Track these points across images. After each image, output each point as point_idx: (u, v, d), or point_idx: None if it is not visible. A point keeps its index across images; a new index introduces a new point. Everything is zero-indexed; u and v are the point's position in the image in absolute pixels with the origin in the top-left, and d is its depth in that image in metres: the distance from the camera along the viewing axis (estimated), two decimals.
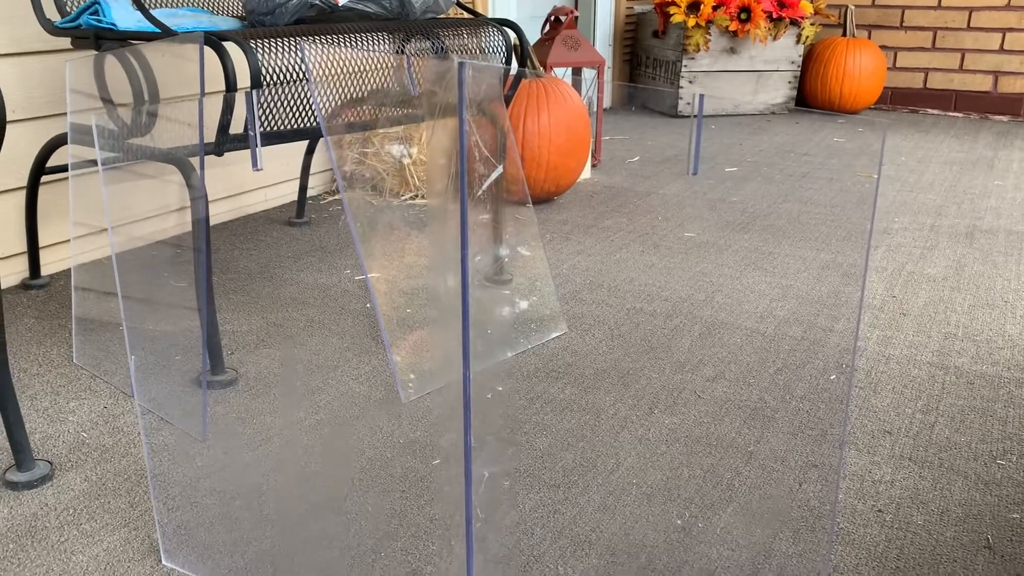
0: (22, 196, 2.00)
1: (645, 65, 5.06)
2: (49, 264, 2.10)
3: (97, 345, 1.70)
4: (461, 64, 0.70)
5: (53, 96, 1.98)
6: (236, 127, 1.49)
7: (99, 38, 1.60)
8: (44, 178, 1.94)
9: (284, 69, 1.49)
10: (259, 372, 1.67)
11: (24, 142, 1.97)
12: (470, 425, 0.87)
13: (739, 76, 4.72)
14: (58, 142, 1.75)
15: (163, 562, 1.14)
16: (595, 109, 3.50)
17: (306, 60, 1.44)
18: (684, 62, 4.62)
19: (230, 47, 1.43)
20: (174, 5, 1.98)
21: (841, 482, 1.36)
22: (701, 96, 3.24)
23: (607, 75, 5.01)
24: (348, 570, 1.13)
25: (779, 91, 4.84)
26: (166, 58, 1.50)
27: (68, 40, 1.82)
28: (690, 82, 4.66)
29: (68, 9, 1.73)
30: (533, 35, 3.62)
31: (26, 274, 2.07)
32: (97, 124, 1.60)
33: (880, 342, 1.90)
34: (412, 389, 1.59)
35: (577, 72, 3.64)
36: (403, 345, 1.74)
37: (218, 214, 2.61)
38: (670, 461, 1.40)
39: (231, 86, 1.37)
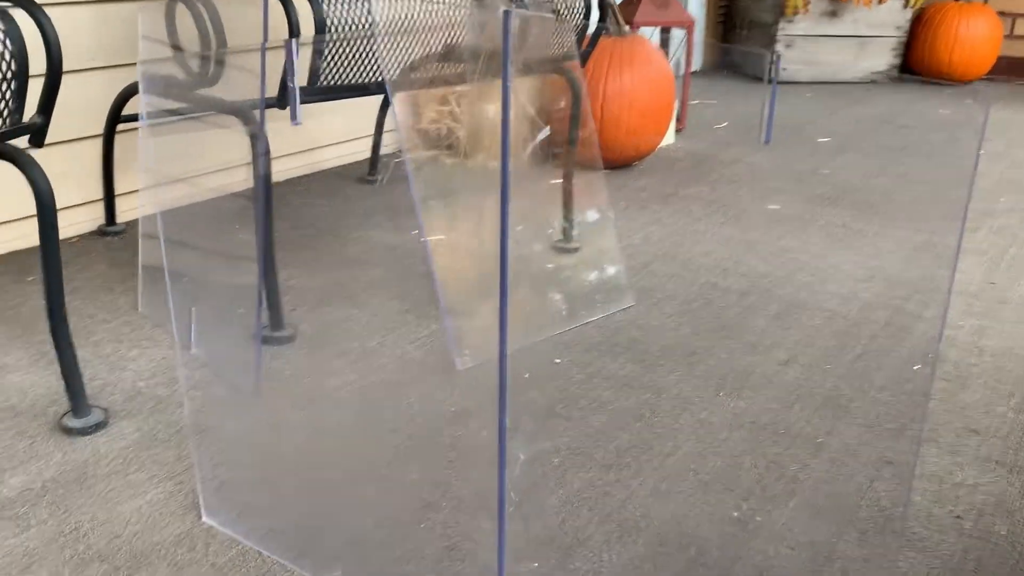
0: (100, 143, 2.02)
1: (740, 27, 4.85)
2: (125, 212, 2.13)
3: (162, 295, 1.71)
4: (506, 13, 0.63)
5: (131, 43, 1.99)
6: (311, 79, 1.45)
7: None
8: (121, 126, 1.96)
9: (351, 20, 1.44)
10: (317, 330, 1.65)
11: (102, 89, 1.99)
12: (506, 406, 0.82)
13: (839, 41, 4.47)
14: (133, 90, 1.75)
15: (203, 518, 1.13)
16: (682, 71, 3.36)
17: (373, 12, 1.39)
18: (781, 25, 4.40)
19: None
20: None
21: (917, 482, 1.26)
22: (777, 57, 3.06)
23: (698, 36, 4.82)
24: (386, 539, 1.10)
25: (882, 58, 4.58)
26: (232, 5, 1.47)
27: None
28: (787, 46, 4.44)
29: None
30: None
31: (103, 221, 2.10)
32: (166, 74, 1.59)
33: (974, 332, 1.76)
34: (468, 357, 1.55)
35: (665, 32, 3.50)
36: (462, 311, 1.70)
37: (293, 168, 2.60)
38: (731, 448, 1.33)
39: (294, 35, 1.33)
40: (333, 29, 1.39)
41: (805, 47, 4.46)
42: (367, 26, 1.44)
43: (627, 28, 2.79)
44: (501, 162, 0.72)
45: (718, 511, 1.18)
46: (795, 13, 4.36)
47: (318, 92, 1.44)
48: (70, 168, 2.03)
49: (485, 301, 1.78)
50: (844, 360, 1.62)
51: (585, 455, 1.30)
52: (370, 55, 1.45)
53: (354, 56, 1.44)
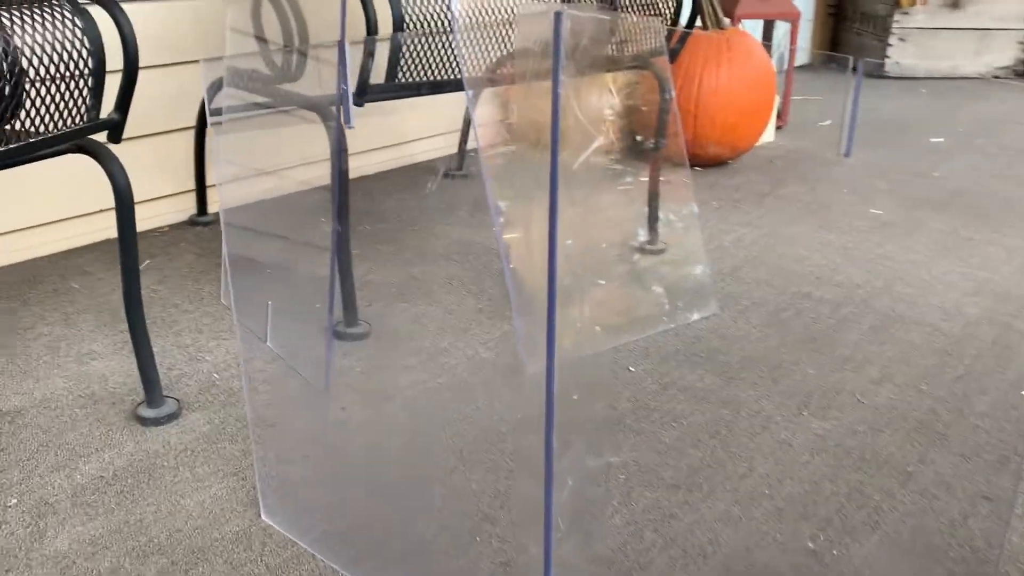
0: (192, 135, 2.07)
1: (852, 19, 4.63)
2: (216, 203, 2.18)
3: (243, 286, 1.74)
4: (558, 15, 0.59)
5: (223, 38, 2.03)
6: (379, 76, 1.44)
7: None
8: (214, 118, 2.00)
9: (430, 16, 1.42)
10: (392, 327, 1.64)
11: (196, 82, 2.03)
12: (553, 425, 0.78)
13: (959, 34, 4.22)
14: (222, 84, 1.78)
15: (262, 516, 1.13)
16: (785, 66, 3.22)
17: (453, 8, 1.36)
18: (896, 17, 4.18)
19: None
20: None
21: (1016, 522, 1.16)
22: (859, 64, 2.87)
23: (806, 29, 4.63)
24: (442, 550, 1.08)
25: (1006, 52, 4.29)
26: (314, 1, 1.47)
27: None
28: (901, 40, 4.21)
29: None
30: None
31: (194, 211, 2.15)
32: (251, 68, 1.60)
33: None
34: (539, 360, 1.51)
35: (770, 25, 3.36)
36: (534, 313, 1.66)
37: (381, 162, 2.62)
38: (812, 473, 1.25)
39: (371, 31, 1.32)
40: (411, 25, 1.37)
41: (921, 40, 4.22)
42: (446, 22, 1.42)
43: (726, 22, 2.69)
44: (551, 167, 0.68)
45: (792, 541, 1.11)
46: (912, 4, 4.13)
47: (394, 89, 1.42)
48: (164, 159, 2.09)
49: (560, 303, 1.73)
50: (943, 381, 1.51)
51: (653, 472, 1.24)
52: (448, 52, 1.42)
53: (433, 53, 1.42)
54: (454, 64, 1.46)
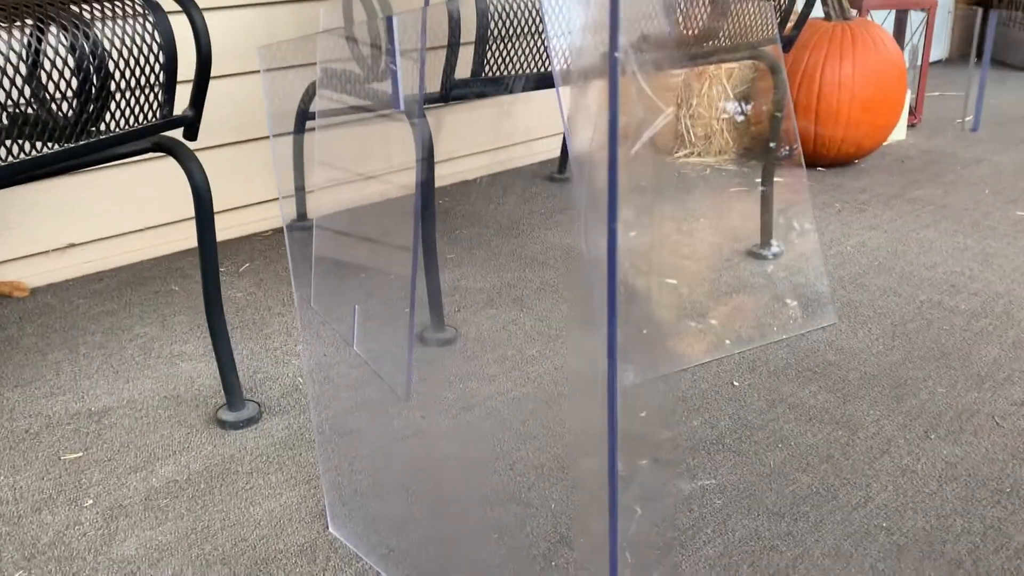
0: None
1: (1001, 7, 4.28)
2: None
3: (332, 290, 1.71)
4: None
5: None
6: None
7: None
8: (310, 122, 1.99)
9: (516, 11, 1.35)
10: (480, 333, 1.58)
11: (300, 86, 2.04)
12: (616, 455, 0.69)
13: None
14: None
15: (329, 529, 1.08)
16: (920, 60, 2.98)
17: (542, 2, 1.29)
18: None
19: None
20: None
21: None
22: (991, 15, 2.57)
23: (945, 21, 4.31)
24: (513, 574, 1.00)
25: None
26: (404, 1, 1.42)
27: None
28: None
29: None
30: None
31: (294, 215, 2.16)
32: (343, 69, 1.57)
33: None
34: (631, 372, 1.41)
35: (903, 14, 3.12)
36: (630, 322, 1.56)
37: (482, 167, 2.57)
38: (940, 505, 1.10)
39: (454, 24, 1.26)
40: (496, 19, 1.30)
41: None
42: (535, 19, 1.34)
43: (853, 12, 2.50)
44: (609, 162, 0.59)
45: None
46: None
47: (480, 84, 1.36)
48: (268, 163, 2.10)
49: (657, 312, 1.63)
50: None
51: (754, 499, 1.12)
52: (538, 47, 1.34)
53: (521, 45, 1.34)
54: (544, 58, 1.38)
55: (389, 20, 0.86)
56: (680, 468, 1.18)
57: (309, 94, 1.87)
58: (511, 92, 1.39)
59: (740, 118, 2.53)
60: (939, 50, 4.31)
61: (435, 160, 2.43)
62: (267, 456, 1.23)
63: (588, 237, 0.68)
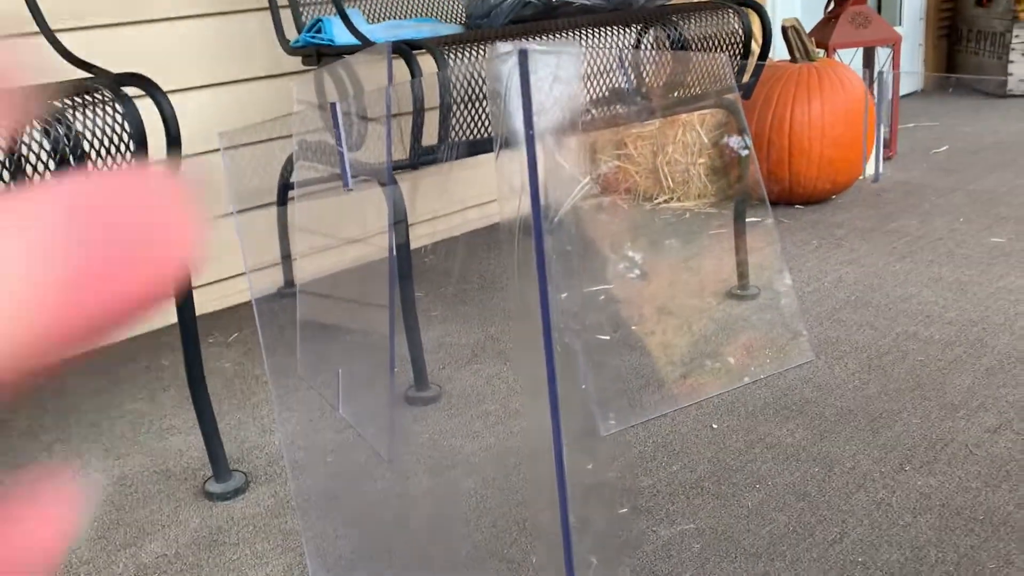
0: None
1: (967, 39, 4.37)
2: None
3: (318, 355, 1.74)
4: (522, 52, 0.55)
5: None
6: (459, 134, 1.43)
7: (320, 55, 1.63)
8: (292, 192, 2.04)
9: (478, 78, 1.40)
10: (463, 389, 1.60)
11: (280, 157, 2.09)
12: (568, 518, 0.71)
13: None
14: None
15: None
16: (888, 94, 3.05)
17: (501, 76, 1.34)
18: (1015, 32, 3.91)
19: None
20: (407, 16, 1.99)
21: None
22: (880, 74, 2.63)
23: (917, 53, 4.40)
24: None
25: None
26: (373, 70, 1.48)
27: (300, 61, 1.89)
28: (1023, 55, 3.93)
29: (303, 23, 1.80)
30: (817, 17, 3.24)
31: (281, 283, 2.20)
32: (319, 139, 1.62)
33: None
34: (613, 421, 1.43)
35: (871, 52, 3.20)
36: (609, 370, 1.59)
37: (468, 221, 2.62)
38: (915, 537, 1.11)
39: (417, 98, 1.31)
40: (458, 88, 1.35)
41: None
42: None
43: (818, 52, 2.57)
44: (533, 224, 0.63)
45: None
46: None
47: (448, 148, 1.41)
48: (251, 234, 2.15)
49: (639, 359, 1.65)
50: None
51: (732, 540, 1.13)
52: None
53: (482, 113, 1.39)
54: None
55: (333, 107, 0.90)
56: (660, 514, 1.20)
57: (288, 167, 1.92)
58: (474, 155, 1.44)
59: (715, 162, 2.59)
60: (914, 81, 4.40)
61: (417, 219, 2.48)
62: (254, 526, 1.25)
63: (522, 299, 0.71)
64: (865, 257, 2.14)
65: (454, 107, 1.39)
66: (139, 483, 1.39)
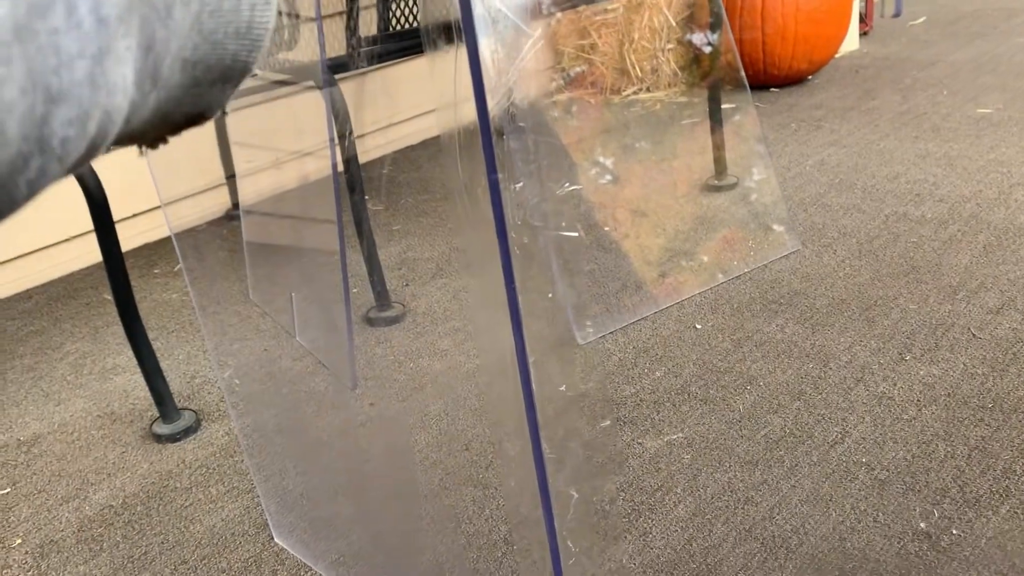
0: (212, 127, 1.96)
1: None
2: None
3: (271, 280, 1.62)
4: None
5: None
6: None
7: None
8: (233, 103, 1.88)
9: None
10: (428, 306, 1.49)
11: None
12: (539, 438, 0.61)
13: None
14: None
15: (275, 539, 1.00)
16: None
17: None
18: None
19: None
20: None
21: None
22: None
23: None
24: (471, 565, 0.93)
25: None
26: None
27: None
28: None
29: None
30: None
31: (229, 204, 2.05)
32: None
33: None
34: (591, 329, 1.33)
35: None
36: (586, 275, 1.48)
37: (427, 128, 2.46)
38: (921, 431, 1.03)
39: None
40: None
41: None
42: None
43: None
44: (478, 111, 0.51)
45: (899, 521, 0.90)
46: None
47: (392, 40, 1.25)
48: (191, 156, 1.99)
49: (615, 262, 1.54)
50: None
51: (724, 449, 1.05)
52: None
53: None
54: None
55: None
56: (645, 424, 1.11)
57: None
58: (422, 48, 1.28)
59: (685, 47, 2.43)
60: None
61: (371, 128, 2.32)
62: (206, 468, 1.15)
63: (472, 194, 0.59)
64: (847, 137, 2.03)
65: None
66: (81, 429, 1.28)
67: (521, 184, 1.15)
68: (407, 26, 1.28)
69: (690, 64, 2.45)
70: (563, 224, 1.52)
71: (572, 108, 2.50)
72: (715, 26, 1.66)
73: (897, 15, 2.67)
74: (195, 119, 0.19)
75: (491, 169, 0.53)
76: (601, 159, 2.03)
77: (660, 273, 1.50)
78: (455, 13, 0.61)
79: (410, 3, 1.26)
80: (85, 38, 0.13)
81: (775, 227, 1.59)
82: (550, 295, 1.30)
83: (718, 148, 1.80)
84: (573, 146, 2.12)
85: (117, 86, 0.14)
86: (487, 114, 0.51)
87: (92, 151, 0.15)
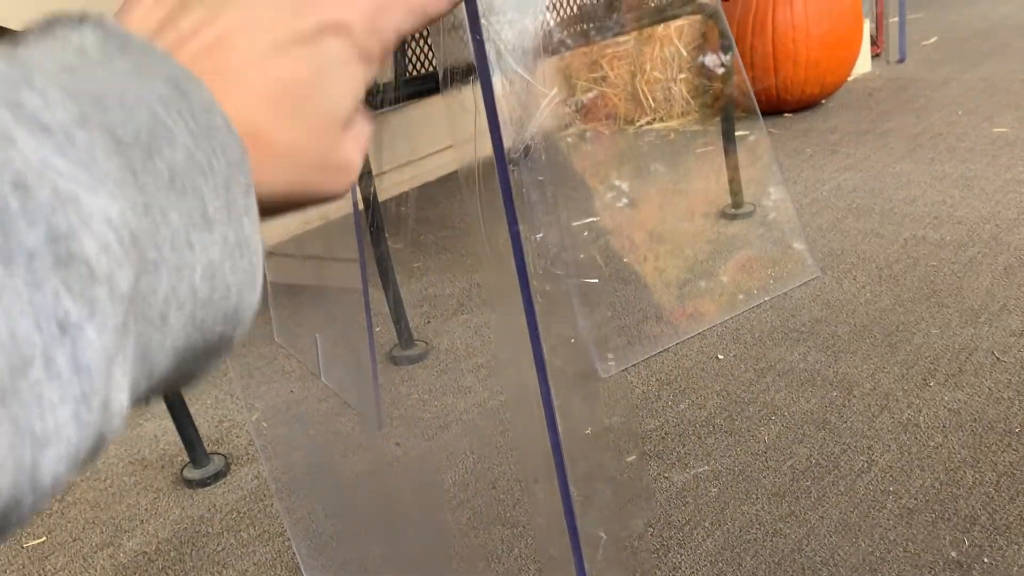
0: None
1: None
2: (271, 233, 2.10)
3: (295, 320, 1.64)
4: None
5: None
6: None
7: None
8: None
9: None
10: (451, 343, 1.51)
11: None
12: (566, 479, 0.62)
13: None
14: None
15: None
16: None
17: None
18: None
19: None
20: None
21: None
22: None
23: None
24: None
25: None
26: None
27: None
28: None
29: None
30: None
31: None
32: None
33: None
34: (612, 363, 1.34)
35: None
36: (607, 307, 1.49)
37: (445, 164, 2.49)
38: (948, 458, 1.03)
39: None
40: None
41: None
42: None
43: None
44: (496, 162, 0.53)
45: (929, 551, 0.90)
46: None
47: (409, 85, 1.28)
48: None
49: (635, 293, 1.55)
50: None
51: (751, 480, 1.05)
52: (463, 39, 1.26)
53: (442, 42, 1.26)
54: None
55: None
56: (671, 458, 1.12)
57: None
58: (439, 91, 1.31)
59: (697, 76, 2.45)
60: None
61: (388, 167, 2.35)
62: (237, 512, 1.17)
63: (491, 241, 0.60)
64: (863, 161, 2.03)
65: (408, 39, 1.26)
66: (114, 476, 1.30)
67: (541, 235, 1.17)
68: (423, 70, 1.31)
69: (702, 92, 2.47)
70: (585, 270, 1.53)
71: (587, 138, 2.52)
72: (726, 53, 1.68)
73: (901, 61, 2.70)
74: (178, 386, 0.19)
75: (512, 220, 0.55)
76: (617, 189, 2.05)
77: (680, 304, 1.51)
78: (470, 56, 0.63)
79: (425, 49, 1.29)
80: (65, 386, 0.14)
81: (794, 254, 1.60)
82: (572, 340, 1.32)
83: (733, 175, 1.81)
84: (589, 177, 2.14)
85: (112, 412, 0.15)
86: (507, 173, 0.53)
87: (86, 466, 0.15)
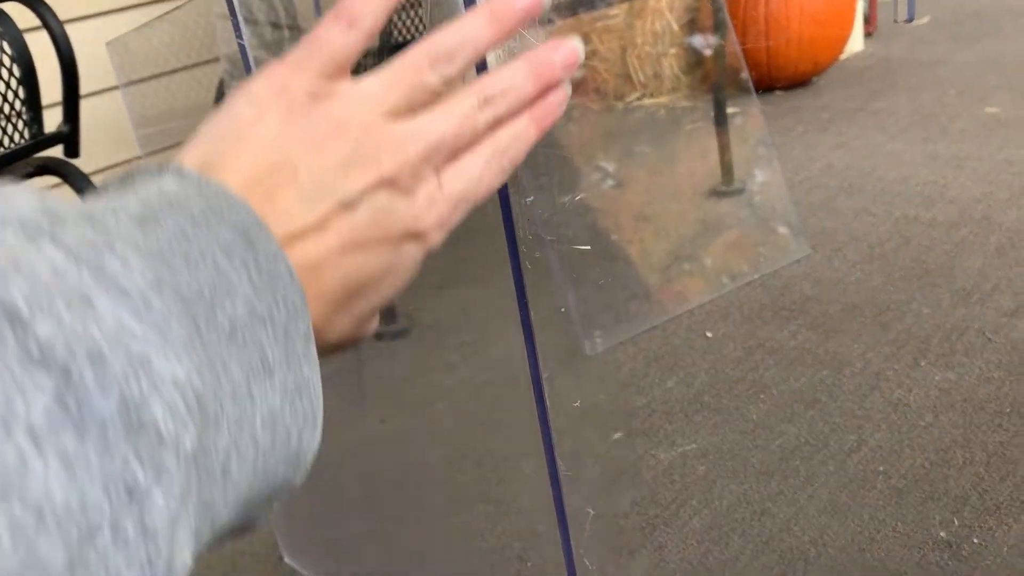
0: None
1: None
2: None
3: None
4: None
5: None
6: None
7: None
8: None
9: None
10: (435, 319, 1.48)
11: (206, 88, 1.92)
12: (554, 455, 0.60)
13: None
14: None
15: (285, 559, 0.99)
16: None
17: None
18: None
19: None
20: None
21: None
22: None
23: None
24: None
25: None
26: None
27: None
28: None
29: None
30: None
31: None
32: (251, 54, 1.45)
33: None
34: (599, 340, 1.32)
35: None
36: (593, 284, 1.47)
37: None
38: (938, 437, 1.02)
39: None
40: None
41: None
42: None
43: None
44: None
45: (918, 531, 0.89)
46: None
47: (393, 50, 1.25)
48: None
49: (623, 270, 1.53)
50: None
51: (739, 459, 1.04)
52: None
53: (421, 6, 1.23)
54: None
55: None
56: (658, 436, 1.10)
57: (219, 92, 1.75)
58: None
59: (689, 51, 2.42)
60: None
61: None
62: None
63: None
64: (854, 140, 2.01)
65: (398, 7, 1.22)
66: None
67: (532, 199, 1.14)
68: (410, 38, 1.27)
69: (693, 68, 2.44)
70: (575, 236, 1.51)
71: (575, 115, 2.49)
72: (718, 29, 1.65)
73: (910, 20, 2.67)
74: (241, 533, 0.20)
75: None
76: (606, 166, 2.02)
77: (668, 280, 1.49)
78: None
79: (413, 16, 1.26)
80: (132, 551, 0.14)
81: (784, 232, 1.58)
82: (563, 309, 1.29)
83: (724, 152, 1.79)
84: (577, 154, 2.11)
85: (175, 572, 0.15)
86: None
87: None
